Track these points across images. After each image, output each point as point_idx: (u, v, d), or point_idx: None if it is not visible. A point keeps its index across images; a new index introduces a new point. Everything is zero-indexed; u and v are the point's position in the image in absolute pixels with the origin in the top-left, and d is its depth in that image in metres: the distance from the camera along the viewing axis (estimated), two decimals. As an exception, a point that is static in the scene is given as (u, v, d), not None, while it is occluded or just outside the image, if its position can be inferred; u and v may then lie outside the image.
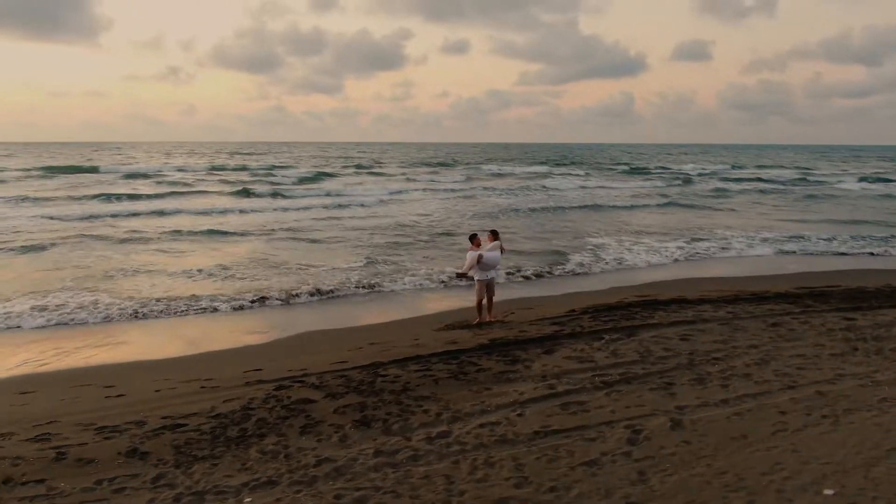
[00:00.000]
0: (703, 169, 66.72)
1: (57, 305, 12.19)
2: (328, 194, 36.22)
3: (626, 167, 71.21)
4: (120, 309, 12.06)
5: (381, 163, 74.56)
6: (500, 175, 55.12)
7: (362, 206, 30.82)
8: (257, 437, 6.28)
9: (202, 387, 7.89)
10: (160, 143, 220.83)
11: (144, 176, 47.32)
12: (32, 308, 11.93)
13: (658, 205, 32.32)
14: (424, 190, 39.34)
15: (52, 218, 24.58)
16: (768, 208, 32.79)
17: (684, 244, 19.81)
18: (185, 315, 12.04)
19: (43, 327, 11.26)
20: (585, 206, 30.74)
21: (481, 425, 6.36)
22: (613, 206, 31.13)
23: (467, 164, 76.88)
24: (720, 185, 46.09)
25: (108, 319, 11.67)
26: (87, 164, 58.73)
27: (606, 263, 16.88)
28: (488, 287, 10.64)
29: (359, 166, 64.25)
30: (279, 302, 12.81)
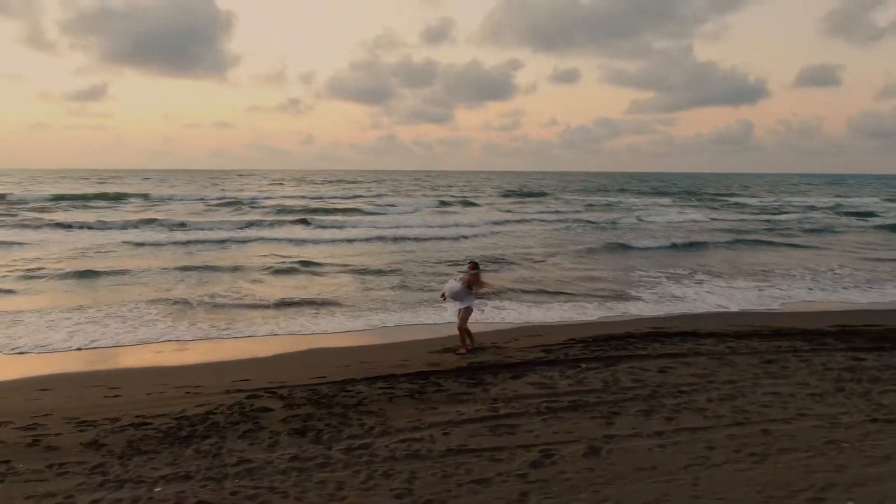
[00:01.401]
0: (826, 202, 62.72)
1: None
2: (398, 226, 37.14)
3: (739, 198, 68.36)
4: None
5: (478, 192, 75.73)
6: (600, 205, 54.57)
7: (458, 237, 31.11)
8: (201, 437, 6.89)
9: (187, 392, 8.65)
10: (282, 171, 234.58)
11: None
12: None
13: (754, 241, 30.37)
14: (516, 221, 39.52)
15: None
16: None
17: (757, 283, 18.64)
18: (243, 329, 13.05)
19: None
20: (673, 240, 29.49)
21: (403, 440, 6.66)
22: (706, 242, 29.42)
23: (571, 192, 76.63)
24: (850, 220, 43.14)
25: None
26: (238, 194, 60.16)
27: (659, 300, 16.37)
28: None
29: (457, 198, 65.31)
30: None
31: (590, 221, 39.55)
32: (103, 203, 50.30)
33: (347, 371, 9.53)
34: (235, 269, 19.95)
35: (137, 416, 7.60)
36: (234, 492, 5.58)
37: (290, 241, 28.22)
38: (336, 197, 60.25)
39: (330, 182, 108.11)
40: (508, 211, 47.17)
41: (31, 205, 46.53)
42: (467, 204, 54.91)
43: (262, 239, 28.44)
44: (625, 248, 26.69)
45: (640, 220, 41.32)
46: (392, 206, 50.99)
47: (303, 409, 7.73)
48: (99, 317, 13.52)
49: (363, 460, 6.21)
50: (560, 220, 40.26)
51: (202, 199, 53.75)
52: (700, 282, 18.52)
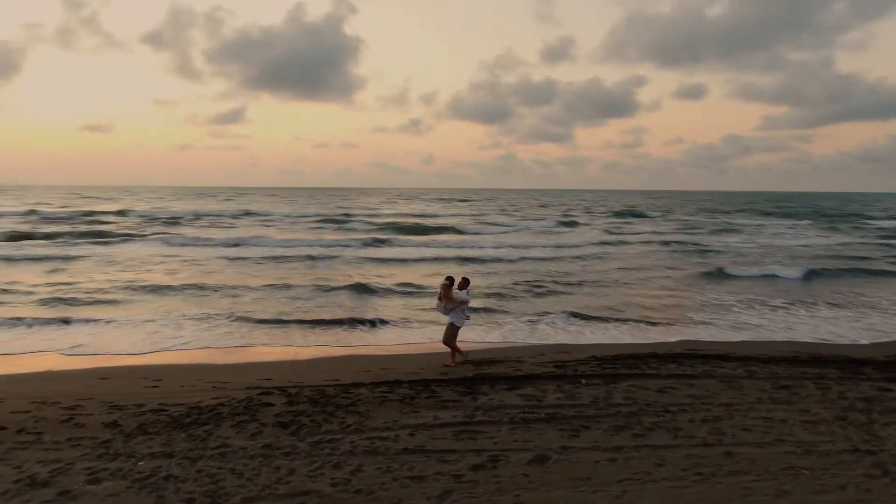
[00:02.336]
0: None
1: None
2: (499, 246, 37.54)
3: (879, 221, 63.17)
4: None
5: (590, 212, 74.92)
6: (712, 226, 52.49)
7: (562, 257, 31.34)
8: (200, 424, 7.76)
9: (213, 387, 9.63)
10: (402, 189, 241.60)
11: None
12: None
13: (875, 271, 27.63)
14: (617, 242, 38.89)
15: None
16: None
17: (854, 315, 17.28)
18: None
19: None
20: (774, 266, 27.64)
21: (369, 438, 7.19)
22: (815, 269, 27.18)
23: (687, 212, 74.09)
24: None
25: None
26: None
27: (730, 326, 15.80)
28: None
29: (565, 219, 64.93)
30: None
31: (694, 244, 38.14)
32: (226, 218, 54.65)
33: (361, 376, 10.18)
34: (315, 286, 21.30)
35: (160, 404, 8.63)
36: (199, 469, 6.35)
37: (373, 259, 29.51)
38: (438, 215, 61.75)
39: (443, 200, 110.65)
40: (610, 232, 46.40)
41: (157, 219, 51.48)
42: (572, 224, 54.52)
43: (342, 258, 29.81)
44: (720, 273, 25.47)
45: (750, 242, 39.37)
46: (494, 224, 51.69)
47: (300, 406, 8.44)
48: (179, 321, 15.11)
49: (324, 452, 6.80)
50: (662, 242, 39.13)
51: (307, 216, 56.91)
52: (788, 311, 17.53)
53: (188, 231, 41.44)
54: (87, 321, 14.99)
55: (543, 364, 10.79)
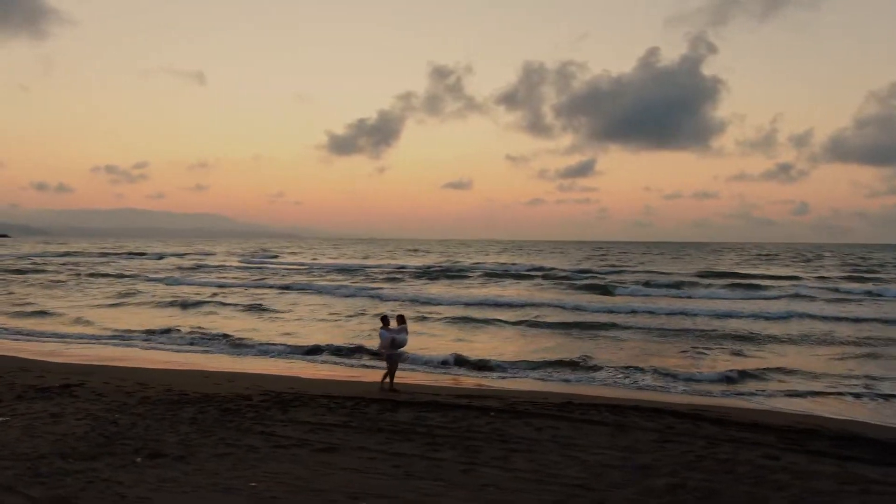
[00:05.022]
0: None
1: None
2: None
3: None
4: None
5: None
6: None
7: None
8: (198, 407, 11.70)
9: (247, 388, 13.61)
10: (772, 244, 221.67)
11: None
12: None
13: None
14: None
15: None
16: None
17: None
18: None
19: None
20: None
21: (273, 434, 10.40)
22: None
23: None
24: None
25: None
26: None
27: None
28: (396, 360, 13.87)
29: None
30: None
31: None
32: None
33: (334, 390, 13.50)
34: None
35: (195, 392, 12.90)
36: (161, 432, 10.22)
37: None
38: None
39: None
40: (836, 289, 40.57)
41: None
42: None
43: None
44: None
45: None
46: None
47: (276, 409, 11.78)
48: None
49: (213, 440, 10.14)
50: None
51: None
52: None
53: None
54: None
55: (476, 398, 12.52)
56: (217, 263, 72.67)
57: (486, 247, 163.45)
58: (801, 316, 28.10)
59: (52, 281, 46.86)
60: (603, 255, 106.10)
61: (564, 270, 58.70)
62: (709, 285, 43.56)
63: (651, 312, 29.31)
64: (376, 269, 60.93)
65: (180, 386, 13.54)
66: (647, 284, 42.96)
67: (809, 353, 19.88)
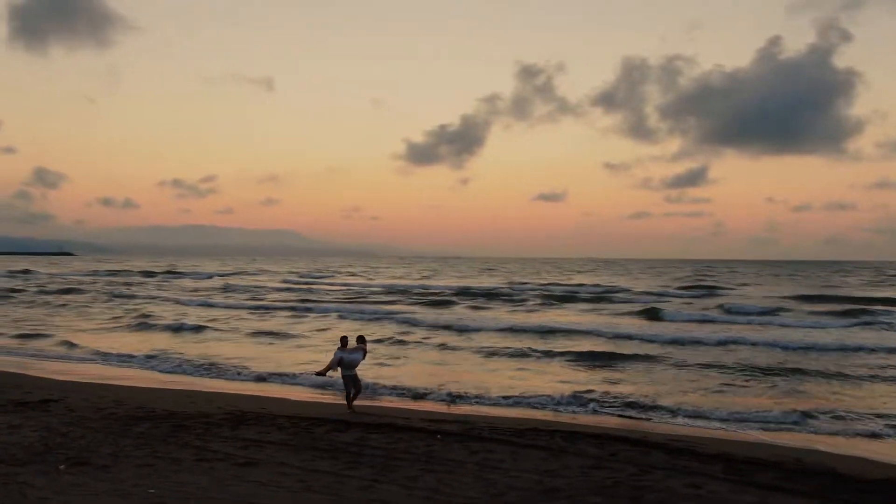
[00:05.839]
0: None
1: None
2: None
3: None
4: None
5: None
6: None
7: None
8: (153, 423, 12.43)
9: (219, 407, 14.24)
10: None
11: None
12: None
13: None
14: None
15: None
16: None
17: None
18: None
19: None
20: None
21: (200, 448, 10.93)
22: None
23: None
24: None
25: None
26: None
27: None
28: (352, 381, 14.16)
29: None
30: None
31: None
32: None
33: (298, 411, 13.99)
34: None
35: (163, 410, 13.62)
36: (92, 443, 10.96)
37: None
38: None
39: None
40: None
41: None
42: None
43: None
44: None
45: None
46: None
47: (227, 426, 12.37)
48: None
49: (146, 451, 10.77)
50: None
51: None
52: None
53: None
54: None
55: (435, 422, 12.74)
56: (258, 284, 70.89)
57: (581, 265, 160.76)
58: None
59: (69, 302, 47.06)
60: (704, 275, 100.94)
61: (631, 292, 56.78)
62: (809, 312, 39.57)
63: (698, 342, 26.82)
64: (431, 291, 58.43)
65: (154, 404, 14.29)
66: (726, 310, 40.21)
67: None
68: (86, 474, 9.15)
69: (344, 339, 14.89)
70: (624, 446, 11.72)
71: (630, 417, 14.87)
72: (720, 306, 42.46)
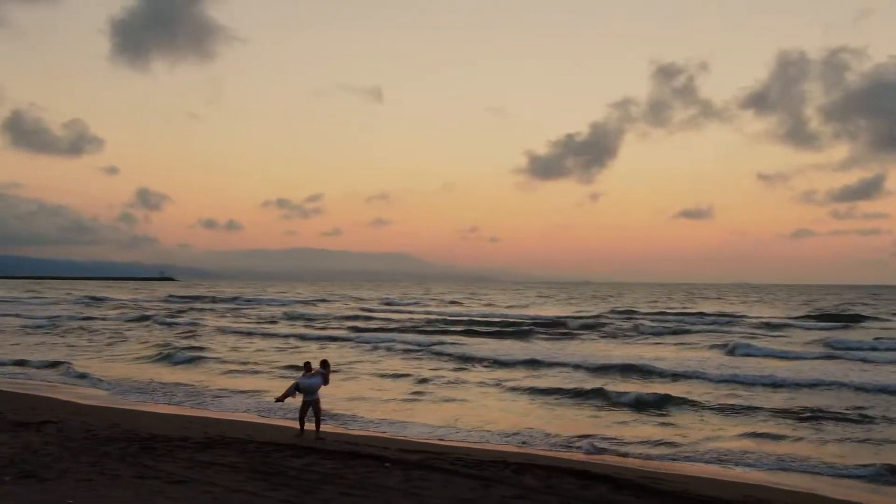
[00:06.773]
0: None
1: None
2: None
3: None
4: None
5: None
6: None
7: None
8: (137, 444, 13.47)
9: (205, 431, 15.18)
10: None
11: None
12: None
13: None
14: None
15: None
16: None
17: None
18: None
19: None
20: None
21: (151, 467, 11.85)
22: None
23: None
24: None
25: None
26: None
27: None
28: (312, 406, 14.68)
29: None
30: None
31: None
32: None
33: (259, 435, 14.87)
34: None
35: (146, 433, 14.68)
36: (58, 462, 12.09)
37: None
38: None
39: None
40: None
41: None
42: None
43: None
44: None
45: None
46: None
47: (192, 449, 13.26)
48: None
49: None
50: None
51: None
52: None
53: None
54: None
55: (396, 450, 13.02)
56: (326, 312, 68.48)
57: (724, 291, 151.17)
58: None
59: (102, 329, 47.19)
60: (866, 302, 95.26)
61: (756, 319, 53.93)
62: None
63: (774, 385, 23.52)
64: (508, 321, 55.19)
65: (143, 428, 15.36)
66: (826, 345, 37.33)
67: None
68: (25, 486, 10.19)
69: (308, 365, 15.56)
70: (569, 479, 11.79)
71: (626, 455, 14.71)
72: (823, 340, 39.38)
